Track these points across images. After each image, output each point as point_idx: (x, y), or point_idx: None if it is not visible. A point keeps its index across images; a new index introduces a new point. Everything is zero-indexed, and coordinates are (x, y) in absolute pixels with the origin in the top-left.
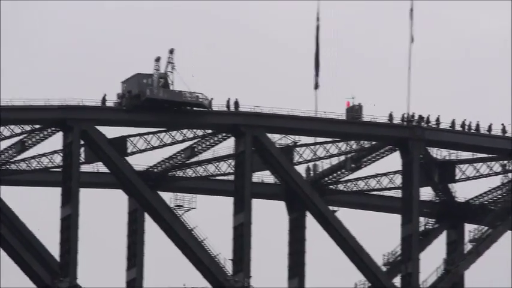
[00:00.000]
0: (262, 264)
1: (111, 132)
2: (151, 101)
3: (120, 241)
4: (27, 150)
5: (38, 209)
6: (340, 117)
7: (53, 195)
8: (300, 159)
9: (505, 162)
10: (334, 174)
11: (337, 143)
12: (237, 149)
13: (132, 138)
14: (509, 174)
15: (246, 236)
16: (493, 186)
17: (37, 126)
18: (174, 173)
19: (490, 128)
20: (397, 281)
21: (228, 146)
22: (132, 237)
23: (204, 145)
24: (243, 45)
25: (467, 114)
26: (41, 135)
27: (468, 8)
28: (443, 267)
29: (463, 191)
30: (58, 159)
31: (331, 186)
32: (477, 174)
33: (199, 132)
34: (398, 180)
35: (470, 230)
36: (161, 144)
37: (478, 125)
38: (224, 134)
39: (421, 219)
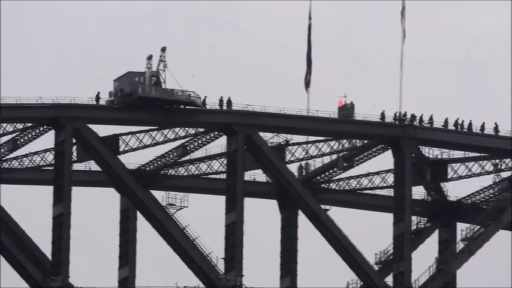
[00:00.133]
0: (254, 262)
1: (103, 130)
2: (143, 99)
3: (112, 239)
4: (20, 149)
5: (30, 208)
6: (332, 115)
7: (45, 193)
8: (292, 158)
9: (497, 161)
10: (326, 173)
11: (329, 142)
12: (229, 148)
13: (124, 137)
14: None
15: (238, 235)
16: (485, 186)
17: (29, 124)
18: (166, 171)
19: (482, 127)
20: (389, 280)
21: (220, 144)
22: (124, 236)
23: (196, 143)
24: (234, 44)
25: (462, 114)
26: (33, 133)
27: (464, 7)
28: (435, 266)
29: (455, 190)
30: (50, 157)
31: (323, 185)
32: (469, 173)
33: (192, 131)
34: (390, 179)
35: (462, 229)
36: (153, 142)
37: (470, 124)
38: (216, 133)
39: (413, 218)
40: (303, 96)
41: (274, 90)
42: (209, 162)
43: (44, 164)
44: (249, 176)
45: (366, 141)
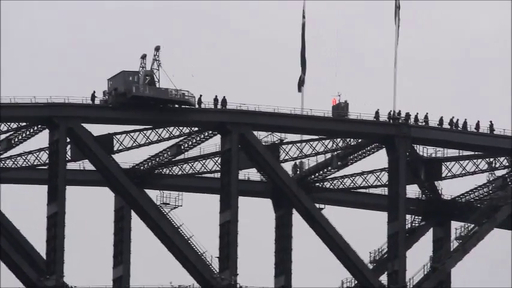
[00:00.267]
0: (249, 261)
1: (97, 129)
2: (138, 99)
3: (107, 239)
4: (14, 148)
5: (24, 207)
6: (326, 114)
7: (40, 192)
8: (286, 157)
9: (491, 159)
10: (321, 172)
11: (323, 141)
12: (223, 147)
13: (118, 136)
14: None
15: (233, 234)
16: (479, 184)
17: (23, 123)
18: (161, 170)
19: (477, 126)
20: (383, 278)
21: (214, 143)
22: (119, 235)
23: (190, 143)
24: (229, 43)
25: (459, 113)
26: (27, 132)
27: (460, 7)
28: (430, 265)
29: (449, 189)
30: (44, 156)
31: (317, 184)
32: (463, 172)
33: (186, 130)
34: (384, 177)
35: (456, 227)
36: (147, 141)
37: (465, 123)
38: (210, 132)
39: (408, 216)
40: (297, 95)
41: (268, 89)
42: (203, 161)
43: (38, 163)
44: (243, 175)
45: (360, 140)
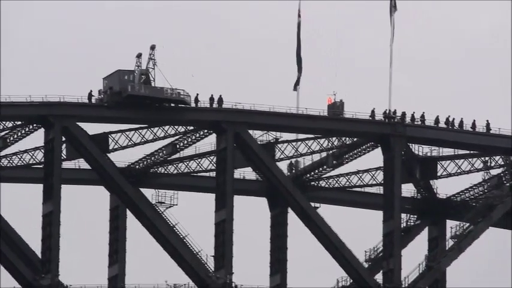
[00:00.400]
0: (244, 260)
1: (92, 128)
2: (133, 98)
3: (102, 238)
4: (9, 147)
5: (19, 206)
6: (321, 113)
7: (35, 191)
8: (282, 156)
9: (487, 158)
10: (316, 171)
11: (318, 140)
12: (218, 146)
13: (113, 135)
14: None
15: (228, 233)
16: (474, 183)
17: (19, 122)
18: (156, 169)
19: (473, 125)
20: (378, 277)
21: (209, 142)
22: (114, 234)
23: (185, 142)
24: (224, 43)
25: (456, 112)
26: (23, 131)
27: (456, 6)
28: (425, 264)
29: (444, 188)
30: (40, 155)
31: (312, 183)
32: (459, 171)
33: (181, 129)
34: (380, 176)
35: (451, 226)
36: (143, 140)
37: (461, 122)
38: (206, 131)
39: (403, 215)
40: (293, 95)
41: (264, 89)
42: (199, 160)
43: (34, 162)
44: (238, 173)
45: (355, 139)
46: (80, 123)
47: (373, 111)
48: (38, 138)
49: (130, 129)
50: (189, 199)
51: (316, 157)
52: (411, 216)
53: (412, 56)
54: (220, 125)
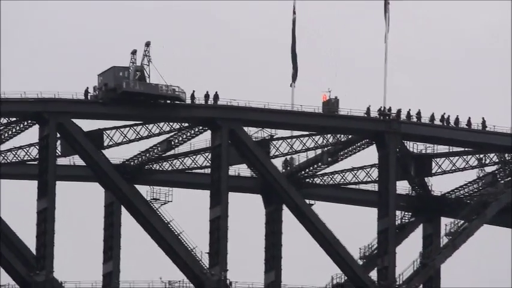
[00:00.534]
0: (239, 257)
1: (87, 125)
2: (128, 94)
3: (97, 234)
4: (4, 143)
5: (14, 202)
6: (316, 110)
7: (30, 188)
8: (277, 153)
9: (481, 156)
10: (311, 168)
11: (313, 137)
12: (213, 142)
13: (108, 131)
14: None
15: (223, 229)
16: (469, 180)
17: (13, 119)
18: (151, 166)
19: (469, 122)
20: (373, 274)
21: (204, 139)
22: (109, 231)
23: (180, 138)
24: (219, 39)
25: (453, 110)
26: (17, 128)
27: (453, 4)
28: (420, 261)
29: (439, 185)
30: (34, 152)
31: (307, 180)
32: (453, 168)
33: (176, 125)
34: (374, 173)
35: (446, 223)
36: (138, 137)
37: (457, 119)
38: (201, 127)
39: (398, 212)
40: (288, 91)
41: (258, 85)
42: (194, 156)
43: (28, 158)
44: (233, 170)
45: (350, 136)
46: (74, 120)
47: (368, 109)
48: (32, 134)
49: (125, 126)
50: (183, 196)
51: (311, 154)
52: (406, 213)
53: (412, 56)
54: (215, 121)
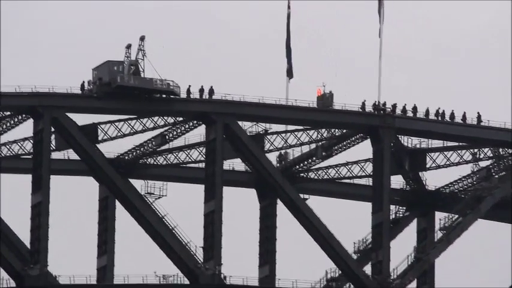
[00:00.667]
0: (233, 251)
1: (82, 119)
2: (122, 88)
3: (91, 228)
4: None
5: (8, 196)
6: (311, 105)
7: (24, 182)
8: (271, 147)
9: (476, 150)
10: (305, 162)
11: (308, 131)
12: (208, 137)
13: (103, 126)
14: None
15: (217, 224)
16: (463, 175)
17: (7, 113)
18: (145, 160)
19: (464, 117)
20: (367, 268)
21: (199, 133)
22: (103, 225)
23: (175, 132)
24: (214, 34)
25: (451, 106)
26: (12, 122)
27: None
28: (414, 255)
29: (433, 179)
30: (29, 146)
31: (302, 174)
32: (448, 163)
33: (170, 120)
34: (369, 168)
35: (440, 218)
36: (132, 131)
37: (452, 114)
38: (195, 122)
39: (392, 207)
40: (282, 86)
41: (253, 80)
42: (188, 151)
43: (23, 152)
44: (227, 165)
45: (344, 131)
46: (69, 114)
47: (363, 103)
48: (27, 128)
49: (119, 120)
50: (178, 190)
51: (306, 148)
52: (400, 207)
53: (408, 55)
54: (209, 116)
